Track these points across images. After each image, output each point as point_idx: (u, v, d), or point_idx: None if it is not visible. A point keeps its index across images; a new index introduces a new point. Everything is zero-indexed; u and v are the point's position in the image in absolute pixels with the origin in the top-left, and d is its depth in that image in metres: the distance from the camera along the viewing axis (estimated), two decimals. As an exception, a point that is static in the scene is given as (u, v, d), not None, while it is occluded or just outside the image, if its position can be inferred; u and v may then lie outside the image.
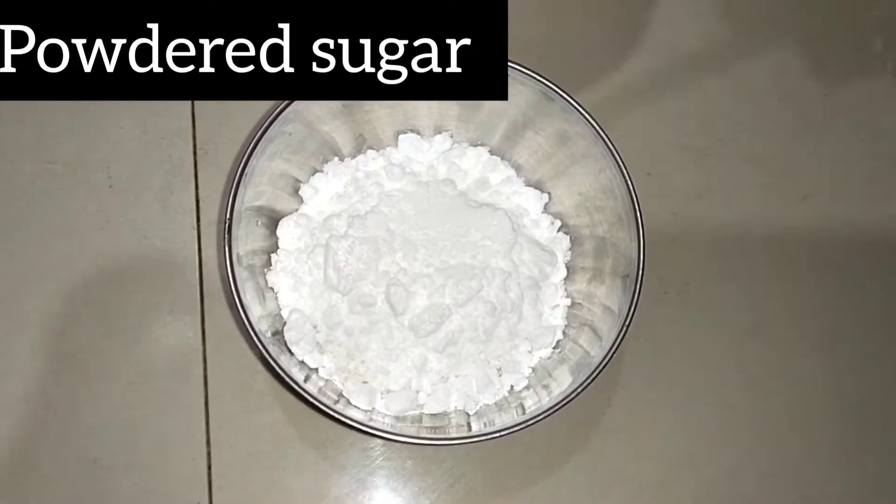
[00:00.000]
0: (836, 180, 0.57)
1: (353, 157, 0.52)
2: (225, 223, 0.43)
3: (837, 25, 0.60)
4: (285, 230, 0.49)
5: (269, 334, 0.45)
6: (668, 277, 0.54)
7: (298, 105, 0.45)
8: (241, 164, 0.43)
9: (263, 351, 0.42)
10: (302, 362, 0.46)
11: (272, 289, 0.48)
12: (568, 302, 0.51)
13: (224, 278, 0.49)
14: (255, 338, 0.42)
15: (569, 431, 0.50)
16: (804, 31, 0.60)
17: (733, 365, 0.47)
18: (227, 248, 0.43)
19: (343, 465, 0.48)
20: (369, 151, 0.52)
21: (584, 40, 0.58)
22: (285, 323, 0.47)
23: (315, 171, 0.51)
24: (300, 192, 0.51)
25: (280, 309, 0.48)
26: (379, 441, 0.49)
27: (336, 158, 0.52)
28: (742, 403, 0.46)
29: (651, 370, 0.52)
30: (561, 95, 0.46)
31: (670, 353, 0.52)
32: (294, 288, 0.48)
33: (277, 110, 0.44)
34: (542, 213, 0.52)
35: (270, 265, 0.48)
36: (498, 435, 0.42)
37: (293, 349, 0.46)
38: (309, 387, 0.43)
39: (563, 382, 0.46)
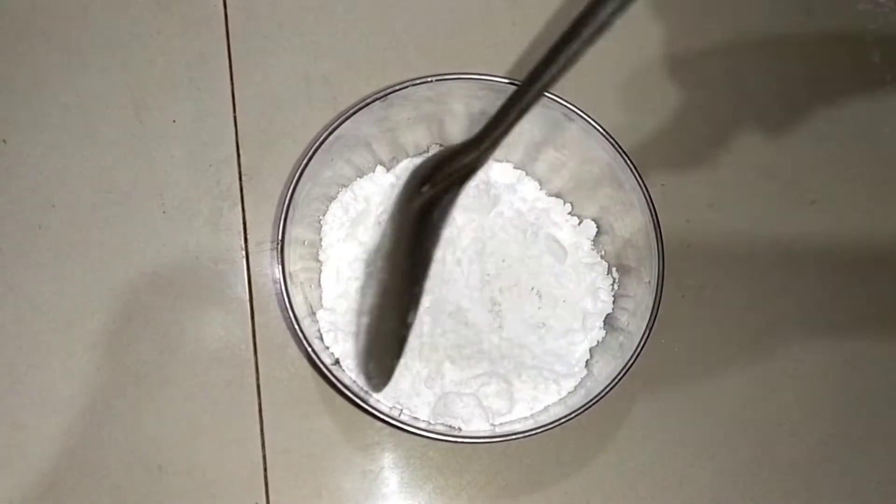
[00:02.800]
0: (840, 187, 0.60)
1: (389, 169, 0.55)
2: (278, 244, 0.46)
3: (837, 39, 0.63)
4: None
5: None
6: (685, 281, 0.57)
7: (340, 132, 0.48)
8: (289, 193, 0.47)
9: (316, 359, 0.45)
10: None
11: (321, 302, 0.51)
12: (609, 308, 0.52)
13: (278, 295, 0.52)
14: (307, 348, 0.45)
15: (598, 428, 0.53)
16: (806, 45, 0.63)
17: (747, 362, 0.49)
18: (281, 268, 0.46)
19: (388, 465, 0.51)
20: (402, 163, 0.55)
21: (598, 61, 0.60)
22: (333, 334, 0.50)
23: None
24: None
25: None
26: (420, 441, 0.51)
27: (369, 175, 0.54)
28: (757, 398, 0.48)
29: (672, 369, 0.55)
30: (580, 116, 0.49)
31: (689, 352, 0.55)
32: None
33: (319, 140, 0.47)
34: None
35: (317, 280, 0.51)
36: (533, 433, 0.45)
37: (340, 358, 0.49)
38: (359, 392, 0.46)
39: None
